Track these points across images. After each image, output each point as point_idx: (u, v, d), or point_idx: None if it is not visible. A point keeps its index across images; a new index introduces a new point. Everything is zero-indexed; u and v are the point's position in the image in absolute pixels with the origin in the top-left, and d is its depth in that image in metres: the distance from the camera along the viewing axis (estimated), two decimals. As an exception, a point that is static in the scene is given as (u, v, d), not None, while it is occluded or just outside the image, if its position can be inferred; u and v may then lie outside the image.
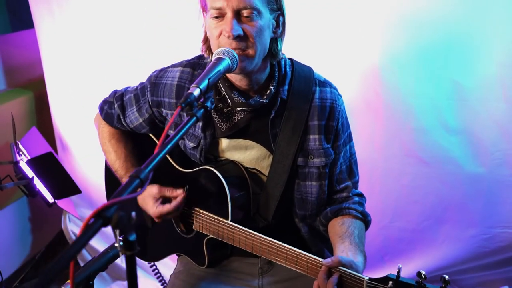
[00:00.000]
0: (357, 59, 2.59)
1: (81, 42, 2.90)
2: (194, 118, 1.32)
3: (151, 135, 2.04)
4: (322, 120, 1.79)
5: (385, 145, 2.69)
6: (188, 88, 1.76)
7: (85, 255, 3.28)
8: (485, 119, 2.57)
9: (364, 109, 2.65)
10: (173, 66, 1.89)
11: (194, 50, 2.54)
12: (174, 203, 1.81)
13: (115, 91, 2.05)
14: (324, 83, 1.84)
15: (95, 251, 3.26)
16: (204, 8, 1.67)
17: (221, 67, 1.44)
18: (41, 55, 2.99)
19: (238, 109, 1.75)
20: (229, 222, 1.74)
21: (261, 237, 1.66)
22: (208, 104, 1.36)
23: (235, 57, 1.50)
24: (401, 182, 2.75)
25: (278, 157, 1.79)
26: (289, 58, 1.84)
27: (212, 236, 1.81)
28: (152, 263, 2.47)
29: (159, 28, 2.74)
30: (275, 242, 1.63)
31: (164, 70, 1.90)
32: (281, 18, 1.69)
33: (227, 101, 1.76)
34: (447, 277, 1.32)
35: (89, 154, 3.11)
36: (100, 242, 3.28)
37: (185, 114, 1.35)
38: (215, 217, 1.77)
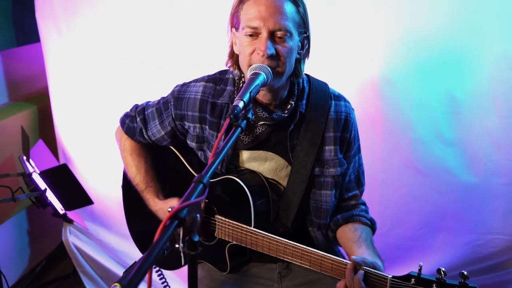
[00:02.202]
0: (357, 74, 2.70)
1: (86, 57, 2.95)
2: (239, 128, 1.41)
3: (172, 148, 2.12)
4: (337, 132, 1.90)
5: (384, 156, 2.80)
6: (211, 103, 1.89)
7: (87, 268, 3.30)
8: (479, 131, 2.70)
9: (364, 122, 2.74)
10: (196, 81, 1.98)
11: (199, 61, 2.64)
12: None
13: (136, 105, 2.13)
14: (339, 97, 1.95)
15: (98, 265, 3.29)
16: (234, 25, 1.78)
17: (258, 81, 1.54)
18: (46, 69, 3.02)
19: (261, 123, 1.85)
20: (252, 228, 1.81)
21: (285, 241, 1.74)
22: (250, 115, 1.46)
23: (269, 72, 1.61)
24: (400, 192, 2.86)
25: (296, 167, 1.88)
26: (305, 74, 1.95)
27: (235, 243, 1.88)
28: (158, 270, 2.52)
29: (163, 42, 2.80)
30: (299, 246, 1.72)
31: (186, 85, 1.99)
32: (305, 41, 1.81)
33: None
34: (465, 272, 1.41)
35: (92, 167, 3.15)
36: (102, 255, 3.31)
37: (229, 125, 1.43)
38: (239, 224, 1.84)
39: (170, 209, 1.09)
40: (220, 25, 2.62)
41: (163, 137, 2.04)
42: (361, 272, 1.56)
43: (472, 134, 2.72)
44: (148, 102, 2.11)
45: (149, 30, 2.81)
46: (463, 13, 2.54)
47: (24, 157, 2.54)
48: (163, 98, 2.05)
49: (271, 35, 1.68)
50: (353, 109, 1.98)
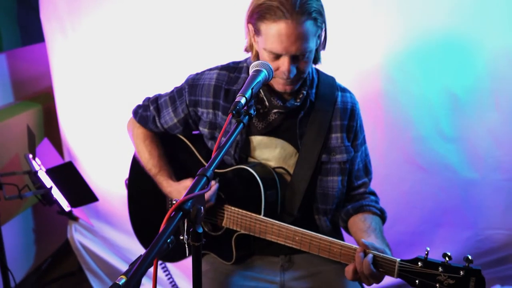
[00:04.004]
0: (358, 72, 2.72)
1: (90, 57, 2.99)
2: (242, 124, 1.45)
3: (182, 138, 2.17)
4: (344, 120, 1.98)
5: (385, 153, 2.82)
6: (225, 89, 1.95)
7: (92, 265, 3.34)
8: (479, 127, 2.73)
9: (366, 119, 2.74)
10: (209, 70, 2.05)
11: (205, 59, 2.67)
12: (209, 192, 1.93)
13: (148, 97, 2.19)
14: (345, 90, 2.04)
15: (103, 262, 3.32)
16: (254, 28, 1.78)
17: (260, 78, 1.57)
18: (51, 69, 3.07)
19: (274, 110, 1.92)
20: (261, 216, 1.88)
21: (294, 228, 1.81)
22: (252, 111, 1.49)
23: (270, 68, 1.64)
24: (401, 188, 2.89)
25: (304, 154, 1.95)
26: (314, 67, 2.01)
27: (243, 232, 1.93)
28: (162, 263, 2.56)
29: (167, 41, 2.84)
30: (308, 232, 1.78)
31: (201, 73, 2.05)
32: (323, 33, 1.83)
33: (264, 103, 1.92)
34: (470, 257, 1.49)
35: (96, 165, 3.19)
36: (107, 252, 3.35)
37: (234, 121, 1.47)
38: (248, 213, 1.90)
39: (174, 201, 1.13)
40: (227, 26, 2.70)
41: (175, 125, 2.10)
42: (370, 255, 1.62)
43: (472, 130, 2.75)
44: (159, 93, 2.18)
45: (153, 30, 2.85)
46: (463, 9, 2.57)
47: (30, 156, 2.57)
48: (176, 87, 2.11)
49: (293, 56, 1.73)
50: (357, 101, 2.06)
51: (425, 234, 2.95)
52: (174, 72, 2.78)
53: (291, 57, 1.72)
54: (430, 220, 2.94)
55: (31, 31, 3.10)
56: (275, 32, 1.68)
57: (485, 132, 2.74)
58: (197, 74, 2.06)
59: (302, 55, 1.73)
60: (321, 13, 1.73)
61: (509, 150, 2.75)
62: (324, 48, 1.88)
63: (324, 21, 1.77)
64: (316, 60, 1.89)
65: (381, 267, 1.62)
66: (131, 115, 2.24)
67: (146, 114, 2.15)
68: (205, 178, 1.21)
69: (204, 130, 2.04)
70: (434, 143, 2.78)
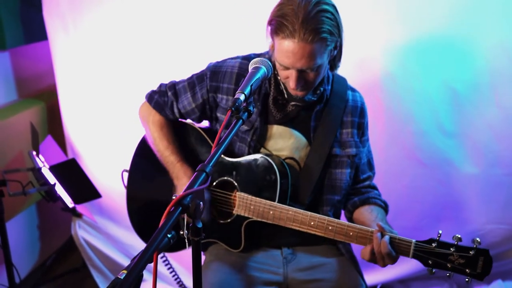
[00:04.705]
0: (358, 68, 2.73)
1: (93, 54, 3.01)
2: (241, 120, 1.47)
3: (195, 127, 2.20)
4: (354, 117, 2.08)
5: (386, 148, 2.84)
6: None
7: (96, 261, 3.37)
8: (479, 123, 2.75)
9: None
10: (232, 58, 2.10)
11: (208, 56, 2.69)
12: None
13: (162, 84, 2.21)
14: (354, 90, 2.15)
15: (106, 258, 3.35)
16: (271, 34, 1.84)
17: (259, 74, 1.60)
18: (54, 66, 3.09)
19: (292, 103, 1.99)
20: (276, 203, 1.93)
21: (310, 213, 1.87)
22: (251, 108, 1.52)
23: (270, 66, 1.66)
24: (401, 183, 2.92)
25: (315, 147, 2.03)
26: None
27: (255, 219, 1.97)
28: (163, 256, 2.58)
29: (170, 38, 2.86)
30: (324, 217, 1.85)
31: (222, 60, 2.10)
32: (338, 43, 1.90)
33: (283, 95, 1.99)
34: (478, 239, 1.65)
35: (99, 162, 3.21)
36: (110, 248, 3.38)
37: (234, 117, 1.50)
38: (263, 200, 1.95)
39: (174, 197, 1.15)
40: (231, 24, 2.72)
41: (193, 110, 2.12)
42: (387, 236, 1.72)
43: (472, 126, 2.77)
44: (174, 80, 2.20)
45: (155, 26, 2.86)
46: (463, 4, 2.58)
47: (34, 152, 2.60)
48: (195, 74, 2.14)
49: (300, 70, 1.80)
50: (365, 102, 2.17)
51: (426, 229, 2.96)
52: (176, 68, 2.79)
53: (298, 71, 1.80)
54: (431, 214, 2.96)
55: (34, 29, 3.12)
56: (283, 48, 1.76)
57: (485, 127, 2.75)
58: (218, 62, 2.11)
59: (310, 70, 1.80)
60: (332, 32, 1.79)
61: (509, 145, 2.77)
62: (340, 59, 1.97)
63: (337, 38, 1.85)
64: (332, 67, 1.99)
65: (397, 247, 1.72)
66: (144, 99, 2.24)
67: (164, 99, 2.16)
68: (204, 174, 1.24)
69: (222, 116, 2.09)
70: (434, 138, 2.80)
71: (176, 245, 2.22)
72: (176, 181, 2.12)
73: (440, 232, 1.69)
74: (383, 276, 3.10)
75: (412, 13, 2.63)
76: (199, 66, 2.15)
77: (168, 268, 2.60)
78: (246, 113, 1.50)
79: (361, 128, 2.12)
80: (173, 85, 2.17)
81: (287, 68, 1.81)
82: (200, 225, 1.22)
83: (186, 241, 1.24)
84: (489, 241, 2.93)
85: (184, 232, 1.24)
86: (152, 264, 1.14)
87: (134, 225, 2.37)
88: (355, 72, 2.69)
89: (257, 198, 1.96)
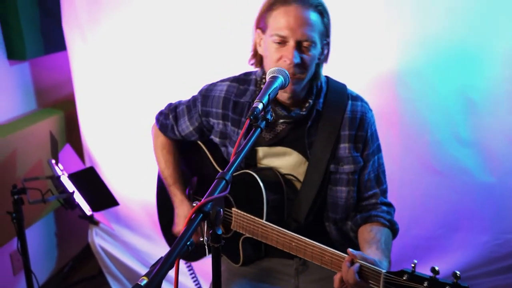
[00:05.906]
0: (372, 76, 2.73)
1: (110, 64, 3.06)
2: (259, 129, 1.49)
3: (200, 145, 2.26)
4: (352, 130, 1.97)
5: (401, 157, 2.83)
6: (234, 101, 2.01)
7: (112, 269, 3.40)
8: (496, 131, 2.71)
9: (381, 123, 2.74)
10: (222, 81, 2.12)
11: (223, 64, 2.72)
12: None
13: (170, 104, 2.28)
14: (356, 98, 2.03)
15: (123, 265, 3.38)
16: (261, 28, 1.88)
17: (276, 84, 1.61)
18: (73, 76, 3.14)
19: (281, 121, 1.96)
20: (263, 221, 1.91)
21: (291, 235, 1.83)
22: (268, 116, 1.53)
23: (287, 75, 1.68)
24: (417, 192, 2.88)
25: (312, 163, 1.97)
26: (325, 76, 2.05)
27: (248, 235, 1.98)
28: (189, 265, 2.60)
29: (186, 46, 2.88)
30: (302, 239, 1.80)
31: (214, 84, 2.12)
32: (325, 47, 1.92)
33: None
34: (458, 273, 1.40)
35: (117, 170, 3.25)
36: (127, 256, 3.40)
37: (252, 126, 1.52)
38: (251, 216, 1.95)
39: (195, 204, 1.17)
40: (246, 30, 2.73)
41: (191, 133, 2.19)
42: (357, 265, 1.62)
43: (488, 134, 2.74)
44: (181, 100, 2.26)
45: (171, 35, 2.89)
46: (478, 13, 2.56)
47: (53, 161, 2.65)
48: (193, 96, 2.19)
49: (298, 44, 1.79)
50: (370, 110, 2.06)
51: (442, 239, 2.94)
52: (194, 77, 2.83)
53: (296, 43, 1.78)
54: (447, 224, 2.93)
55: (53, 40, 3.18)
56: (284, 16, 1.77)
57: (501, 135, 2.72)
58: (210, 85, 2.14)
59: (307, 45, 1.80)
60: (326, 13, 1.85)
61: (526, 154, 2.74)
62: (326, 61, 1.96)
63: (329, 36, 1.88)
64: (318, 76, 1.96)
65: (367, 277, 1.61)
66: (154, 120, 2.33)
67: (166, 122, 2.25)
68: (224, 181, 1.26)
69: (215, 139, 2.12)
70: (450, 147, 2.78)
71: (195, 254, 2.28)
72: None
73: (415, 262, 1.51)
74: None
75: (426, 23, 2.62)
76: (215, 74, 2.18)
77: (192, 277, 2.62)
78: (264, 122, 1.52)
79: (360, 141, 1.99)
80: (174, 108, 2.23)
81: (282, 45, 1.80)
82: (220, 231, 1.23)
83: (206, 248, 1.26)
84: (507, 250, 2.89)
85: (204, 239, 1.25)
86: (172, 272, 1.16)
87: (166, 237, 2.42)
88: (369, 82, 2.71)
89: (248, 215, 1.96)
